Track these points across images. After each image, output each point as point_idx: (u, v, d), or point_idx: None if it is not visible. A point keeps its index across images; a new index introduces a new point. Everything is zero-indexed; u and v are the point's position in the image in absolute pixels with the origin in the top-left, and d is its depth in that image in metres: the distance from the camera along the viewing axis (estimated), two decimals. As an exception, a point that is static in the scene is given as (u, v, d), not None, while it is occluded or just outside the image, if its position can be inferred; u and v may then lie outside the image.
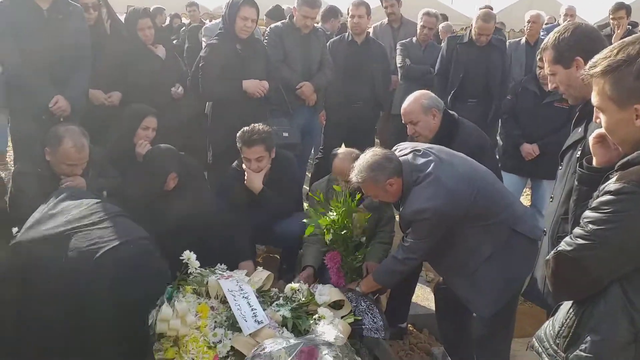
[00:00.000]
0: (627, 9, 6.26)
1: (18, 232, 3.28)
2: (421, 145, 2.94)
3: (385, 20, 6.35)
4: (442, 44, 5.64)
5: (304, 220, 3.39)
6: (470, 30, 5.39)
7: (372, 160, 2.83)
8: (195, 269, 3.02)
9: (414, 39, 5.91)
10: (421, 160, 2.79)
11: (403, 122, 3.49)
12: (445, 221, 2.71)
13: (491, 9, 6.84)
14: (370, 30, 6.62)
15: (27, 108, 3.70)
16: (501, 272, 2.75)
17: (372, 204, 3.40)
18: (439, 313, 3.27)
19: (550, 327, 1.65)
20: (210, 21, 8.70)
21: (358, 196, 3.24)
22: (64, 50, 3.73)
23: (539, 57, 4.72)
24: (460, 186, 2.71)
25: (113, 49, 4.12)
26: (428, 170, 2.74)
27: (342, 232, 3.20)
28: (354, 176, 2.87)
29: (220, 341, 2.80)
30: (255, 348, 2.67)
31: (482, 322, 2.83)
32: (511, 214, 2.83)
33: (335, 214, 3.20)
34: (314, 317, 2.99)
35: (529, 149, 4.59)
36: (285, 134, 4.50)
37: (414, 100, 3.42)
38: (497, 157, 4.66)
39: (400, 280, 3.17)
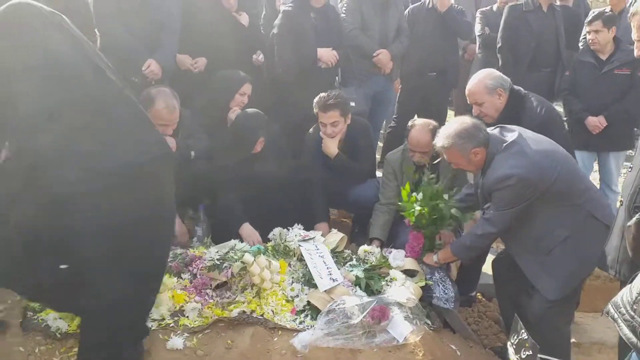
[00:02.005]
0: None
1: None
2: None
3: None
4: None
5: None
6: None
7: (461, 128, 2.84)
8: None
9: (495, 6, 5.76)
10: (507, 135, 2.81)
11: (468, 102, 3.46)
12: (527, 191, 2.70)
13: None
14: None
15: (120, 71, 3.93)
16: (574, 257, 2.75)
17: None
18: (497, 284, 3.29)
19: (628, 293, 1.68)
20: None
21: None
22: (155, 14, 3.91)
23: (587, 26, 4.57)
24: (544, 161, 2.71)
25: (199, 15, 4.28)
26: (513, 140, 2.76)
27: (434, 217, 3.20)
28: (440, 141, 2.89)
29: (297, 295, 2.98)
30: (331, 303, 2.82)
31: (545, 301, 2.82)
32: (590, 198, 2.81)
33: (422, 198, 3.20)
34: (385, 278, 3.12)
35: (595, 122, 4.46)
36: (352, 103, 4.55)
37: (478, 81, 3.36)
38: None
39: (478, 254, 3.22)
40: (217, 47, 4.21)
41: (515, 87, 3.43)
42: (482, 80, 3.35)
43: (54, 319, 2.64)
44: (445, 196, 3.18)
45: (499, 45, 5.02)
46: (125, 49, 3.83)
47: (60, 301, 2.36)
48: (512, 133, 2.81)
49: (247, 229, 3.48)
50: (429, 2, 5.09)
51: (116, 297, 2.15)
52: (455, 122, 2.92)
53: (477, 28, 5.69)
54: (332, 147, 3.82)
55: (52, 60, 2.02)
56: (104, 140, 2.08)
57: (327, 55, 4.27)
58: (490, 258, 3.73)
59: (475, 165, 2.89)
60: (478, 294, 3.80)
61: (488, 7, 5.79)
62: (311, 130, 3.98)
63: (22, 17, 2.03)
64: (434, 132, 3.54)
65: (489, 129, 2.91)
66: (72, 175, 2.00)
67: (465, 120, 2.90)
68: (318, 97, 3.76)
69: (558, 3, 5.43)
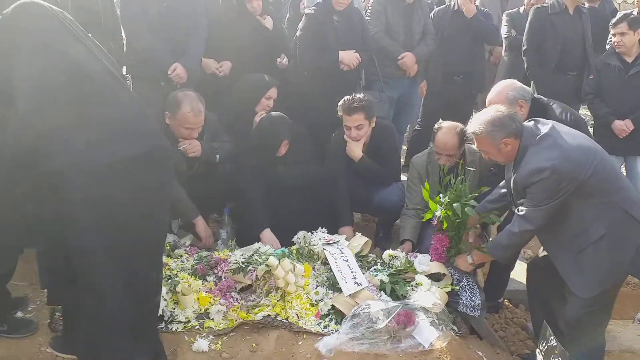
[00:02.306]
0: None
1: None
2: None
3: None
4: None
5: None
6: None
7: (495, 116, 2.77)
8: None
9: (521, 8, 5.69)
10: (541, 127, 2.73)
11: None
12: (562, 185, 2.60)
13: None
14: None
15: (147, 74, 3.98)
16: (609, 256, 2.66)
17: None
18: (530, 289, 3.20)
19: None
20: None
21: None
22: (181, 19, 3.95)
23: (612, 28, 4.48)
24: (579, 154, 2.63)
25: (224, 19, 4.31)
26: (547, 133, 2.69)
27: (457, 221, 3.15)
28: (472, 127, 2.82)
29: (321, 299, 2.97)
30: (356, 308, 2.80)
31: (579, 302, 2.75)
32: (626, 196, 2.71)
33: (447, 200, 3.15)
34: (411, 283, 3.09)
35: (622, 125, 4.39)
36: None
37: (498, 92, 3.27)
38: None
39: (514, 254, 3.13)
40: (241, 50, 4.23)
41: (537, 95, 3.37)
42: (502, 91, 3.26)
43: (82, 321, 2.66)
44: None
45: (524, 47, 4.95)
46: (152, 53, 3.88)
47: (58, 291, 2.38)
48: (546, 126, 2.73)
49: (267, 234, 3.49)
50: (454, 4, 5.04)
51: (108, 292, 2.16)
52: (490, 110, 2.84)
53: (504, 31, 5.63)
54: (356, 150, 3.80)
55: (57, 56, 2.10)
56: (100, 130, 2.12)
57: (348, 57, 4.27)
58: (517, 264, 3.69)
59: (505, 155, 2.80)
60: (505, 300, 3.75)
61: (514, 10, 5.73)
62: (335, 133, 3.97)
63: (29, 17, 2.10)
64: (460, 135, 3.52)
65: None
66: (67, 163, 2.05)
67: (501, 109, 2.82)
68: (342, 100, 3.75)
69: (586, 5, 5.35)
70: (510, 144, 2.75)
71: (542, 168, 2.60)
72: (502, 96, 3.23)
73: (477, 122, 2.80)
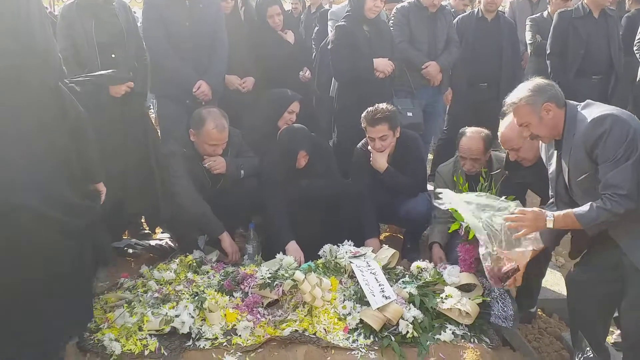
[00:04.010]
0: None
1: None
2: None
3: None
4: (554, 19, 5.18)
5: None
6: (582, 1, 4.99)
7: (532, 83, 2.67)
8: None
9: (545, 12, 5.62)
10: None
11: (503, 148, 3.29)
12: (631, 131, 2.43)
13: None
14: (507, 5, 6.41)
15: (172, 93, 4.03)
16: None
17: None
18: (571, 308, 3.00)
19: None
20: (330, 6, 8.79)
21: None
22: (203, 37, 3.99)
23: None
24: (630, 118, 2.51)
25: (246, 35, 4.35)
26: (589, 102, 2.62)
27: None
28: (510, 98, 2.71)
29: (349, 313, 2.93)
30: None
31: None
32: None
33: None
34: (440, 295, 3.03)
35: None
36: (409, 114, 4.51)
37: (511, 127, 3.07)
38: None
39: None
40: (264, 65, 4.26)
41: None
42: (516, 125, 3.02)
43: (110, 340, 2.68)
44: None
45: (548, 52, 4.91)
46: (175, 72, 3.93)
47: None
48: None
49: (292, 246, 3.48)
50: (477, 11, 5.00)
51: None
52: (528, 81, 2.76)
53: (528, 36, 5.55)
54: (381, 161, 3.77)
55: None
56: None
57: (383, 64, 4.26)
58: (549, 272, 3.60)
59: (547, 126, 2.64)
60: (538, 309, 3.65)
61: (538, 14, 5.66)
62: (360, 144, 3.95)
63: None
64: (486, 140, 3.47)
65: None
66: None
67: (538, 78, 2.73)
68: (365, 111, 3.74)
69: (632, 9, 5.25)
70: (553, 111, 2.62)
71: (602, 117, 2.48)
72: (515, 129, 2.99)
73: (514, 93, 2.71)
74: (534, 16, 5.65)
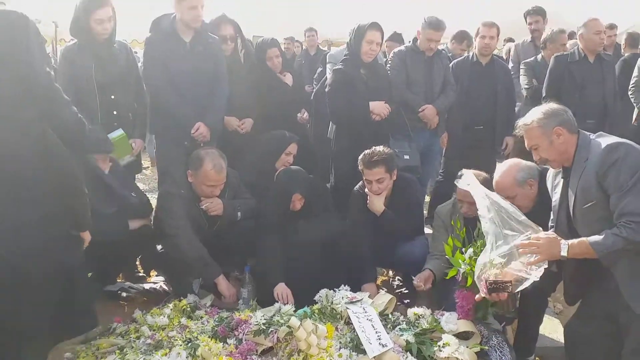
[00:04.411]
0: None
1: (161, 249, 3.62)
2: None
3: (529, 37, 6.22)
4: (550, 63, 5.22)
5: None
6: (578, 46, 5.08)
7: (546, 107, 2.70)
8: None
9: (539, 56, 5.68)
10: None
11: None
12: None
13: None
14: (512, 48, 6.50)
15: (171, 133, 4.04)
16: None
17: None
18: (570, 358, 2.97)
19: None
20: (328, 48, 8.97)
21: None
22: (203, 79, 4.02)
23: None
24: None
25: (246, 77, 4.39)
26: (600, 133, 2.64)
27: None
28: (522, 120, 2.73)
29: (345, 361, 2.87)
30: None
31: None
32: None
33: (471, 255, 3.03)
34: (438, 343, 2.99)
35: None
36: (407, 157, 4.52)
37: (506, 175, 3.11)
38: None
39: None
40: (263, 107, 4.29)
41: (540, 167, 3.20)
42: (510, 172, 3.11)
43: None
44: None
45: (543, 95, 4.96)
46: (175, 113, 3.95)
47: None
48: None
49: (280, 287, 3.45)
50: (473, 55, 5.07)
51: None
52: (542, 106, 2.78)
53: (524, 80, 5.60)
54: (378, 204, 3.77)
55: None
56: None
57: (379, 107, 4.30)
58: (547, 319, 3.56)
59: (558, 150, 2.64)
60: (536, 357, 3.59)
61: (532, 58, 5.72)
62: (357, 186, 3.95)
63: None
64: (483, 184, 3.47)
65: None
66: None
67: (552, 102, 2.76)
68: (362, 154, 3.75)
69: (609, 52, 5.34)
70: (564, 135, 2.63)
71: (616, 144, 2.50)
72: (510, 178, 3.09)
73: (527, 117, 2.73)
74: (528, 60, 5.73)
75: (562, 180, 2.77)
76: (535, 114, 2.71)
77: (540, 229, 2.78)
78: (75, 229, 2.61)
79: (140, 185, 5.24)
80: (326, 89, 4.43)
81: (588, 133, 2.70)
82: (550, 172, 2.93)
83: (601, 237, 2.50)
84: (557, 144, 2.65)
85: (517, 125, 2.79)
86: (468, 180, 3.07)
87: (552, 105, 2.73)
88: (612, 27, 7.43)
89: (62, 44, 8.17)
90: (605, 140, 2.59)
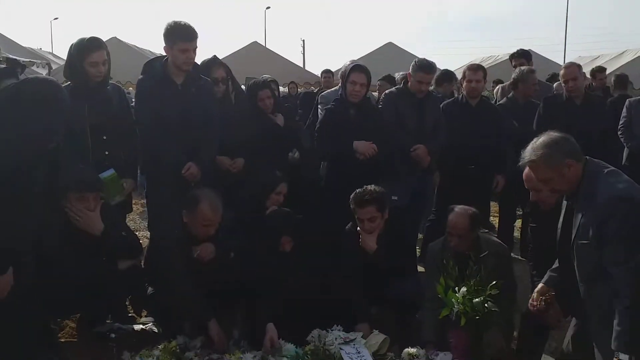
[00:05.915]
0: None
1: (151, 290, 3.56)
2: None
3: None
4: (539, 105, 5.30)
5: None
6: (564, 88, 5.18)
7: (547, 139, 2.65)
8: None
9: (509, 95, 5.71)
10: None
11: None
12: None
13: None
14: (499, 90, 6.62)
15: (162, 174, 4.04)
16: None
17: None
18: None
19: None
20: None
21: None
22: (194, 120, 4.03)
23: None
24: None
25: (237, 118, 4.43)
26: (614, 169, 2.60)
27: (476, 317, 3.03)
28: (527, 155, 2.67)
29: (338, 404, 2.81)
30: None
31: None
32: None
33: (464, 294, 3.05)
34: (432, 384, 2.94)
35: None
36: (395, 197, 4.53)
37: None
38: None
39: None
40: (254, 147, 4.32)
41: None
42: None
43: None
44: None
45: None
46: (165, 154, 3.95)
47: None
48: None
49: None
50: (462, 96, 5.16)
51: None
52: (542, 135, 2.72)
53: None
54: (370, 243, 3.75)
55: None
56: None
57: (362, 147, 4.34)
58: (542, 358, 3.51)
59: (569, 181, 2.63)
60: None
61: (505, 99, 5.74)
62: (348, 226, 3.94)
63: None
64: (472, 218, 3.51)
65: None
66: None
67: (552, 133, 2.70)
68: (354, 193, 3.77)
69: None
70: (574, 166, 2.61)
71: (625, 197, 2.47)
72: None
73: (530, 150, 2.67)
74: (502, 102, 5.79)
75: (565, 202, 2.76)
76: (539, 147, 2.65)
77: None
78: None
79: (131, 225, 5.22)
80: (317, 127, 4.51)
81: (597, 162, 2.66)
82: None
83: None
84: (569, 175, 2.63)
85: (521, 161, 2.74)
86: None
87: (552, 136, 2.68)
88: (601, 70, 7.62)
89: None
90: (617, 179, 2.55)
